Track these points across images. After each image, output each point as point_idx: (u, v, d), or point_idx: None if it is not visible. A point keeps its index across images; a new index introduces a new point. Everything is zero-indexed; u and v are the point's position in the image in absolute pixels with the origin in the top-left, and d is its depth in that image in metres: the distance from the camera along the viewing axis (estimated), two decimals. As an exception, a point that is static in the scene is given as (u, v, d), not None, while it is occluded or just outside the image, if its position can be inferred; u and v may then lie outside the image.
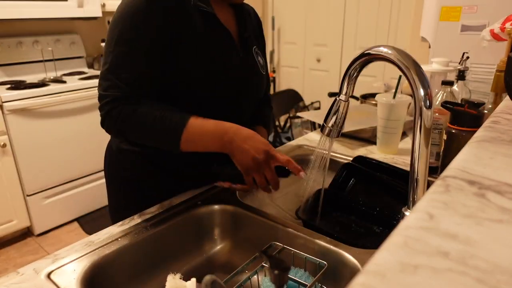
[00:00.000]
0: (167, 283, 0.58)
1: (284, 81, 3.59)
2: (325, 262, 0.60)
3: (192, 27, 0.76)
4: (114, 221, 0.74)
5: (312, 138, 1.21)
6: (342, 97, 0.69)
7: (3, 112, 1.93)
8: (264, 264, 0.61)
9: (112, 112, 0.73)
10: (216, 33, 0.80)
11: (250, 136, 0.73)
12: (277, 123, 3.04)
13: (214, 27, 0.79)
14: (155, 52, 0.74)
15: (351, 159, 0.98)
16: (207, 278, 0.54)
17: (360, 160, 0.96)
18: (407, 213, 0.66)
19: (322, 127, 0.73)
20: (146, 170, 0.87)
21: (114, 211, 0.94)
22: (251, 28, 0.92)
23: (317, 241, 0.66)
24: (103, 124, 0.77)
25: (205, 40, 0.78)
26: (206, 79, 0.78)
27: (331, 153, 1.06)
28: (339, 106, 0.70)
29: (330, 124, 0.71)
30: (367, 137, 1.17)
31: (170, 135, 0.73)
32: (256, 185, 0.76)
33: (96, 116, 2.24)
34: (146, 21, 0.72)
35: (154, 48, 0.74)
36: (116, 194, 0.94)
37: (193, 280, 0.57)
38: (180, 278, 0.60)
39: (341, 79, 0.68)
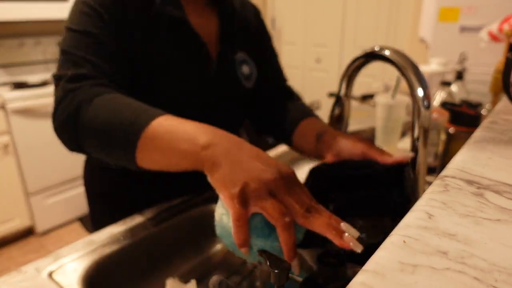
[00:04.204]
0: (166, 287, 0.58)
1: (284, 82, 3.59)
2: None
3: (156, 34, 0.64)
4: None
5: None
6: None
7: (6, 113, 1.93)
8: (257, 263, 0.60)
9: (67, 97, 0.53)
10: (184, 42, 0.66)
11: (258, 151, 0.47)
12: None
13: (182, 35, 0.66)
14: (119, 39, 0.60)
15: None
16: (214, 278, 0.54)
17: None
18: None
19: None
20: (133, 185, 0.77)
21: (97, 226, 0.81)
22: (242, 29, 0.77)
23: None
24: (55, 121, 0.56)
25: (169, 51, 0.65)
26: (172, 96, 0.66)
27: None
28: (341, 100, 0.70)
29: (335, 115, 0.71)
30: (367, 137, 1.17)
31: (123, 137, 0.48)
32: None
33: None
34: (109, 10, 0.60)
35: (118, 36, 0.60)
36: (100, 211, 0.85)
37: (193, 281, 0.57)
38: (180, 281, 0.60)
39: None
